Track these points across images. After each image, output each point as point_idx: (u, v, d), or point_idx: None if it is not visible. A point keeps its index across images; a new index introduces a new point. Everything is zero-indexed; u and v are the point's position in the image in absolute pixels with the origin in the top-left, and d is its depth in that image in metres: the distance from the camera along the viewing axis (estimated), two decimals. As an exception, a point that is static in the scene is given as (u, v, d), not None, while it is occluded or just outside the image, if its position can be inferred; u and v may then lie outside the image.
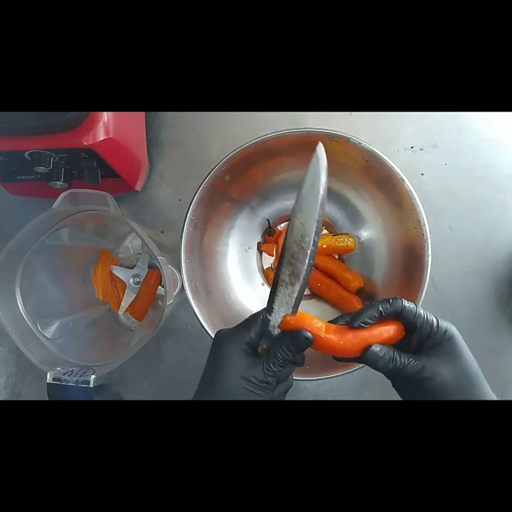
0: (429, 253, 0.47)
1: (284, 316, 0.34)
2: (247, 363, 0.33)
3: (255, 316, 0.35)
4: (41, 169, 0.51)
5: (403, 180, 0.48)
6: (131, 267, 0.64)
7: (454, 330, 0.34)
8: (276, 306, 0.34)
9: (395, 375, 0.34)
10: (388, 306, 0.34)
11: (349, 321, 0.35)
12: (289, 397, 0.38)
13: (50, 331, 0.55)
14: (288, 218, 0.62)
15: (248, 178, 0.54)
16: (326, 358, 0.37)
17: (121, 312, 0.63)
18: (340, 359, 0.37)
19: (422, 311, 0.34)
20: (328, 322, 0.36)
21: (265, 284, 0.62)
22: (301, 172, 0.56)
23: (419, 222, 0.48)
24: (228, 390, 0.33)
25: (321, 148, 0.32)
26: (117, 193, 0.60)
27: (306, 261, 0.33)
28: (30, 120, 0.46)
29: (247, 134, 0.50)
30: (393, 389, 0.37)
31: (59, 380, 0.48)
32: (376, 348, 0.33)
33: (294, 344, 0.33)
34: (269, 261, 0.63)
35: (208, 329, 0.49)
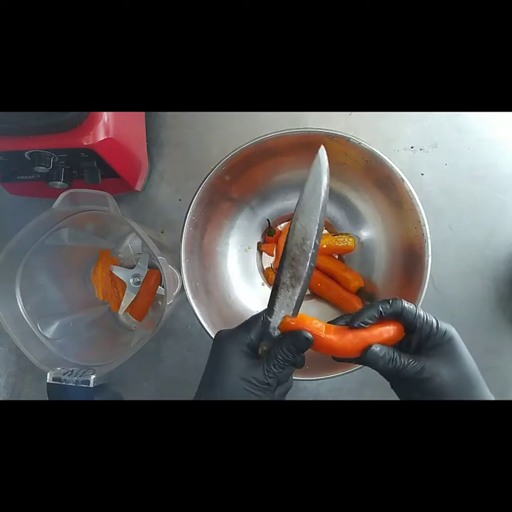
0: (429, 253, 0.47)
1: (283, 317, 0.34)
2: (247, 364, 0.33)
3: (256, 318, 0.35)
4: (41, 169, 0.51)
5: (403, 180, 0.48)
6: (131, 267, 0.64)
7: (453, 331, 0.34)
8: (276, 308, 0.34)
9: (395, 376, 0.34)
10: (388, 306, 0.34)
11: (349, 321, 0.35)
12: (289, 397, 0.38)
13: (50, 331, 0.55)
14: (288, 218, 0.62)
15: (248, 178, 0.54)
16: (326, 358, 0.37)
17: (121, 312, 0.63)
18: (340, 360, 0.37)
19: (421, 312, 0.34)
20: (328, 323, 0.36)
21: (265, 284, 0.62)
22: (301, 172, 0.56)
23: (419, 222, 0.48)
24: (228, 391, 0.33)
25: (322, 151, 0.32)
26: (117, 193, 0.60)
27: (307, 264, 0.33)
28: (30, 120, 0.46)
29: (247, 134, 0.50)
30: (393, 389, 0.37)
31: (59, 380, 0.48)
32: (376, 348, 0.33)
33: (294, 345, 0.33)
34: (269, 261, 0.63)
35: (208, 329, 0.49)
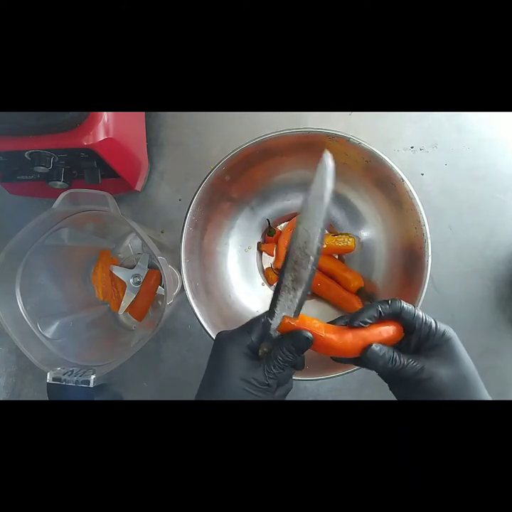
0: (429, 253, 0.47)
1: (283, 318, 0.34)
2: (248, 365, 0.33)
3: (257, 319, 0.35)
4: (41, 169, 0.51)
5: (403, 180, 0.48)
6: (131, 267, 0.64)
7: (451, 332, 0.34)
8: (278, 311, 0.34)
9: (394, 376, 0.34)
10: (387, 306, 0.35)
11: (348, 321, 0.35)
12: (289, 397, 0.38)
13: (50, 331, 0.55)
14: (288, 218, 0.62)
15: (248, 178, 0.54)
16: (326, 358, 0.37)
17: (121, 312, 0.63)
18: (339, 360, 0.37)
19: (420, 313, 0.35)
20: (328, 323, 0.36)
21: (265, 284, 0.62)
22: (301, 172, 0.56)
23: (419, 222, 0.48)
24: (229, 392, 0.33)
25: (327, 156, 0.32)
26: (117, 193, 0.60)
27: (310, 267, 0.33)
28: (30, 120, 0.46)
29: (247, 134, 0.50)
30: (393, 389, 0.37)
31: (59, 380, 0.48)
32: (376, 347, 0.33)
33: (294, 345, 0.33)
34: (269, 261, 0.63)
35: (208, 329, 0.49)
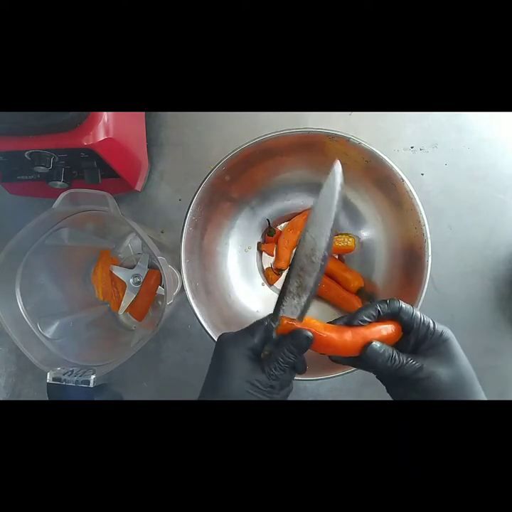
0: (429, 253, 0.47)
1: (281, 319, 0.34)
2: (251, 368, 0.33)
3: (259, 322, 0.35)
4: (41, 169, 0.51)
5: (403, 180, 0.48)
6: (131, 267, 0.64)
7: (449, 333, 0.35)
8: (281, 315, 0.34)
9: (393, 375, 0.34)
10: (386, 306, 0.35)
11: (347, 321, 0.35)
12: (289, 397, 0.38)
13: (50, 331, 0.55)
14: (288, 218, 0.62)
15: (248, 178, 0.54)
16: (326, 359, 0.37)
17: (121, 312, 0.63)
18: (337, 360, 0.37)
19: (418, 313, 0.35)
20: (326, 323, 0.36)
21: (265, 284, 0.62)
22: (301, 172, 0.56)
23: (419, 222, 0.48)
24: (232, 394, 0.33)
25: (338, 166, 0.33)
26: (117, 193, 0.60)
27: (315, 274, 0.33)
28: (30, 120, 0.46)
29: (247, 134, 0.50)
30: (393, 389, 0.37)
31: (59, 380, 0.48)
32: (376, 345, 0.33)
33: (295, 345, 0.33)
34: (269, 261, 0.63)
35: (208, 329, 0.49)
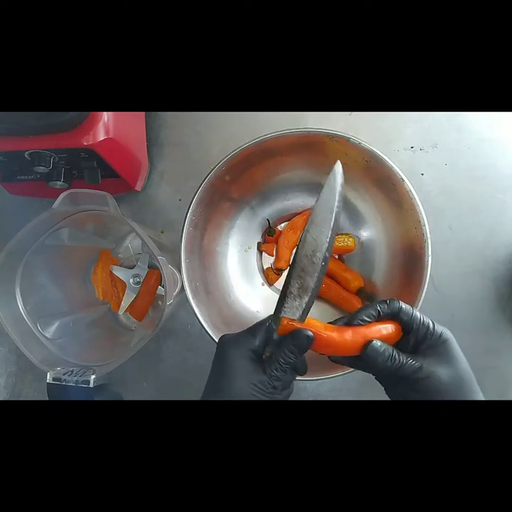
0: (429, 253, 0.47)
1: (281, 319, 0.34)
2: (253, 368, 0.33)
3: (261, 324, 0.35)
4: (41, 169, 0.51)
5: (403, 180, 0.48)
6: (131, 267, 0.64)
7: (449, 334, 0.35)
8: (282, 316, 0.34)
9: (392, 375, 0.34)
10: (386, 306, 0.35)
11: (347, 321, 0.36)
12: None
13: (50, 331, 0.55)
14: (288, 218, 0.62)
15: (248, 178, 0.54)
16: (326, 359, 0.37)
17: (121, 312, 0.63)
18: (337, 360, 0.37)
19: (418, 314, 0.35)
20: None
21: (265, 284, 0.62)
22: (301, 172, 0.56)
23: (419, 222, 0.48)
24: (234, 396, 0.33)
25: (338, 167, 0.33)
26: (117, 193, 0.60)
27: (316, 275, 0.33)
28: (30, 120, 0.46)
29: (247, 134, 0.50)
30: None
31: (59, 380, 0.48)
32: (377, 344, 0.33)
33: (295, 344, 0.33)
34: (269, 261, 0.63)
35: (208, 329, 0.49)
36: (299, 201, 0.60)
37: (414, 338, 0.35)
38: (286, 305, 0.34)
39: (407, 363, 0.33)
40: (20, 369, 0.64)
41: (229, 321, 0.53)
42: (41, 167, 0.51)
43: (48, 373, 0.49)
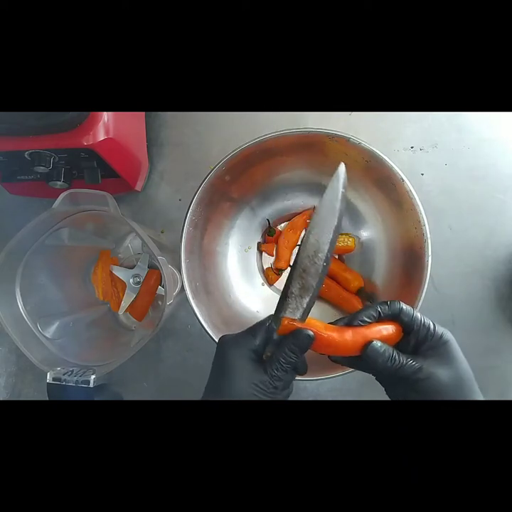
0: (429, 253, 0.47)
1: (282, 319, 0.34)
2: (253, 369, 0.33)
3: (261, 324, 0.35)
4: (41, 169, 0.51)
5: (403, 180, 0.48)
6: (131, 267, 0.64)
7: (449, 335, 0.35)
8: (283, 315, 0.34)
9: (392, 375, 0.34)
10: (386, 307, 0.35)
11: (348, 322, 0.36)
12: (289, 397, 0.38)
13: (50, 331, 0.55)
14: (288, 218, 0.62)
15: (248, 178, 0.54)
16: (326, 359, 0.37)
17: (121, 312, 0.63)
18: (337, 360, 0.37)
19: (418, 315, 0.35)
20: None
21: (265, 284, 0.62)
22: (301, 172, 0.56)
23: (419, 222, 0.48)
24: (235, 396, 0.33)
25: (342, 169, 0.33)
26: (117, 193, 0.60)
27: (317, 276, 0.33)
28: (30, 120, 0.46)
29: (247, 134, 0.50)
30: (393, 389, 0.37)
31: (59, 380, 0.48)
32: (377, 344, 0.33)
33: (296, 344, 0.33)
34: (269, 261, 0.63)
35: (208, 329, 0.49)
36: (299, 201, 0.60)
37: (415, 339, 0.35)
38: (287, 305, 0.34)
39: (407, 363, 0.33)
40: (20, 369, 0.64)
41: (229, 321, 0.53)
42: (41, 167, 0.51)
43: (48, 373, 0.49)
